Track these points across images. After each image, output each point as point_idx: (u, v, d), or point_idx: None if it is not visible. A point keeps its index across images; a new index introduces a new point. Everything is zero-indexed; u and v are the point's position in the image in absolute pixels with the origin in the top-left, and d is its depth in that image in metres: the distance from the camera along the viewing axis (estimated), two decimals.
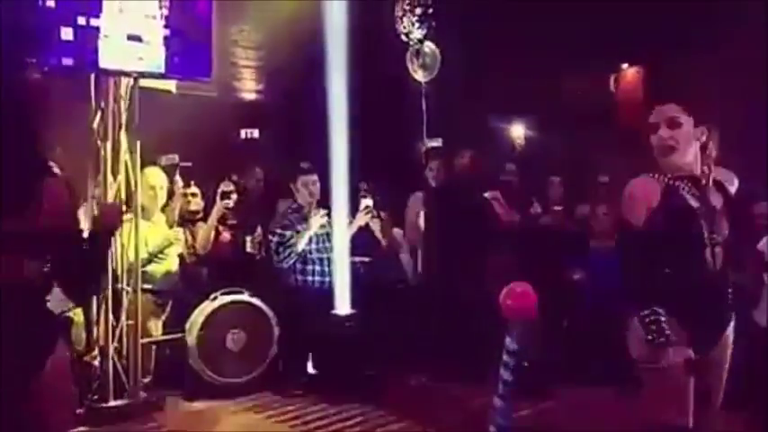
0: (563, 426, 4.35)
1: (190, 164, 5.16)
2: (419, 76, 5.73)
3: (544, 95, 7.29)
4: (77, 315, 4.37)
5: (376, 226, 5.41)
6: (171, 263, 4.86)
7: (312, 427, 4.30)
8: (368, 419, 4.40)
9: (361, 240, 5.35)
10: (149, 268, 4.69)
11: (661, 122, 2.62)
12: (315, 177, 5.10)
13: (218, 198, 5.03)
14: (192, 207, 5.20)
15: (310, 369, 4.94)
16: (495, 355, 3.57)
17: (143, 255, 4.58)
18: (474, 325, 4.65)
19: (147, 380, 4.61)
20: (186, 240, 5.06)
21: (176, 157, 5.12)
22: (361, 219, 5.21)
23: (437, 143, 5.83)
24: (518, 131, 8.24)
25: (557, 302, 4.46)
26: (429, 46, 5.75)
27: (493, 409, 3.52)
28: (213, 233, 5.08)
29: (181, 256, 4.97)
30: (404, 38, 5.73)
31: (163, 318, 4.85)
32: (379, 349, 5.01)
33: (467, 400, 4.76)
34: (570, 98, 7.34)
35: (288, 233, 4.99)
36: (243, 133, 6.19)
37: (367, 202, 5.23)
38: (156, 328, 4.78)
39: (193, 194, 5.24)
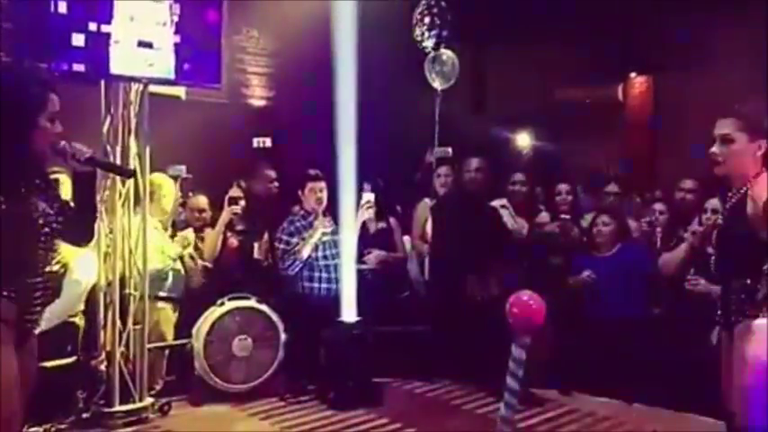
0: None
1: (190, 176, 5.16)
2: (437, 84, 5.70)
3: (552, 104, 7.29)
4: (81, 320, 4.39)
5: (369, 213, 5.23)
6: (179, 266, 4.87)
7: None
8: (373, 426, 4.39)
9: (369, 244, 5.35)
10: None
11: (717, 137, 2.72)
12: (322, 184, 5.10)
13: (225, 204, 5.03)
14: (199, 224, 5.12)
15: (316, 375, 4.93)
16: (501, 364, 3.56)
17: (167, 261, 4.63)
18: (481, 333, 4.63)
19: (159, 386, 4.63)
20: (196, 245, 5.06)
21: (183, 169, 5.13)
22: (364, 213, 5.16)
23: (445, 153, 5.78)
24: (526, 140, 8.25)
25: (563, 309, 4.43)
26: (447, 53, 5.73)
27: (499, 418, 3.50)
28: (221, 239, 5.08)
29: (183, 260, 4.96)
30: (419, 46, 5.73)
31: (173, 320, 4.84)
32: (385, 356, 5.00)
33: (473, 408, 4.75)
34: (578, 106, 7.35)
35: (294, 240, 4.99)
36: (255, 142, 6.16)
37: (368, 196, 5.18)
38: (169, 332, 4.79)
39: (201, 210, 5.15)
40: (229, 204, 5.00)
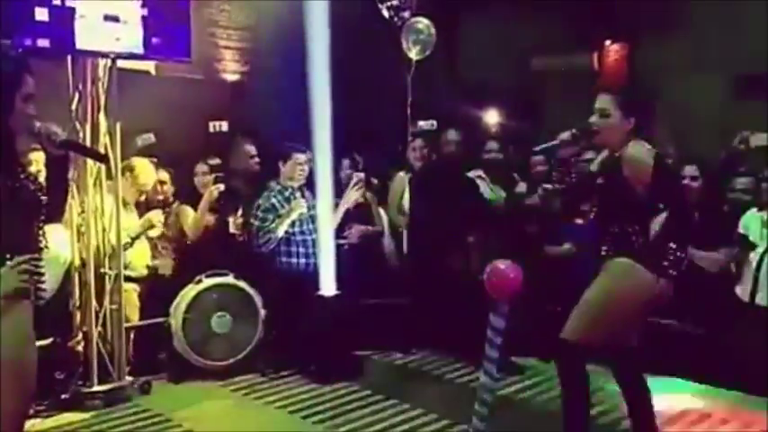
0: (548, 401, 4.38)
1: (156, 159, 5.08)
2: (413, 54, 5.59)
3: (526, 73, 7.25)
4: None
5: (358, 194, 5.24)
6: (142, 246, 4.82)
7: (298, 407, 4.30)
8: (356, 398, 4.41)
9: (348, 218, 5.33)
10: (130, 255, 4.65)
11: (596, 110, 3.22)
12: (305, 157, 5.04)
13: (211, 181, 4.92)
14: (160, 197, 5.07)
15: (296, 350, 4.92)
16: (480, 333, 3.58)
17: (125, 239, 4.55)
18: (459, 303, 4.65)
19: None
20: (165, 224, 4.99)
21: (152, 136, 5.02)
22: (353, 194, 5.13)
23: (431, 126, 5.71)
24: (499, 109, 8.17)
25: (542, 279, 4.45)
26: (423, 22, 5.62)
27: (478, 386, 3.53)
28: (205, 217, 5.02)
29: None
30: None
31: (136, 300, 4.77)
32: (365, 329, 5.01)
33: (453, 378, 4.79)
34: (552, 75, 7.32)
35: (269, 217, 4.93)
36: (211, 126, 6.05)
37: (359, 175, 5.15)
38: (133, 313, 4.71)
39: (162, 182, 5.10)
40: (215, 182, 4.92)
